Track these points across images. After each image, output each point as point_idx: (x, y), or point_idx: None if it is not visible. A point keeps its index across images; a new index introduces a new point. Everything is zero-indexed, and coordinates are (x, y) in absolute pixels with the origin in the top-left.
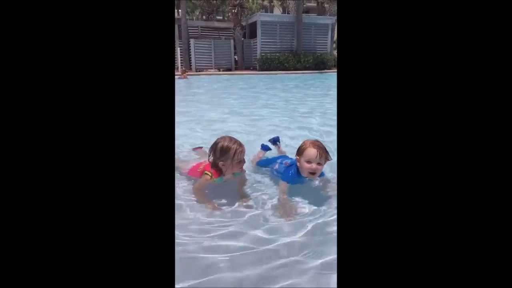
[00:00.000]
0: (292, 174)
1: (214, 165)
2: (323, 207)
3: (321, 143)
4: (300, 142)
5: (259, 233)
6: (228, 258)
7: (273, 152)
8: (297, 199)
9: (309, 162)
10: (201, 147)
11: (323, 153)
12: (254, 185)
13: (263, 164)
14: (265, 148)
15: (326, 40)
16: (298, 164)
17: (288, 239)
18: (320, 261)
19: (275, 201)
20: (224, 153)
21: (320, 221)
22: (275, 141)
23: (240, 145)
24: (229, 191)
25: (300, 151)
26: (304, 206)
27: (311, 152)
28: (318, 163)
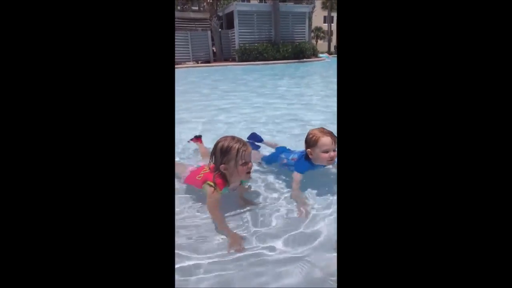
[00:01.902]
0: (306, 165)
1: (216, 171)
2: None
3: (326, 129)
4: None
5: (270, 231)
6: (231, 258)
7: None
8: (312, 190)
9: (326, 151)
10: (199, 137)
11: (335, 138)
12: (265, 183)
13: (268, 162)
14: (255, 147)
15: (304, 28)
16: (311, 156)
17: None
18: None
19: (286, 198)
20: (226, 154)
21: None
22: (259, 140)
23: (245, 144)
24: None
25: (311, 143)
26: (318, 197)
27: (326, 140)
28: (334, 150)
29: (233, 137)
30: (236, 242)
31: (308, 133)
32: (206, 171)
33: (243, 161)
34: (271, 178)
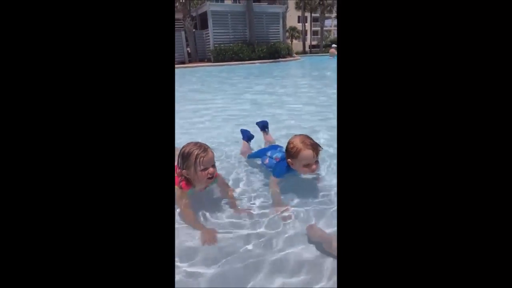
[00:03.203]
0: (283, 169)
1: (180, 175)
2: (322, 199)
3: (309, 138)
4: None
5: (251, 231)
6: (220, 259)
7: (259, 139)
8: (290, 192)
9: (307, 165)
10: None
11: (317, 150)
12: (245, 181)
13: (253, 156)
14: (246, 136)
15: (278, 28)
16: (292, 166)
17: (282, 235)
18: (319, 257)
19: (264, 197)
20: (186, 160)
21: (312, 212)
22: (264, 126)
23: (205, 150)
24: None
25: (292, 154)
26: (297, 199)
27: (307, 154)
28: (316, 161)
29: (196, 143)
30: (209, 235)
31: (289, 141)
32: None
33: (202, 167)
34: (250, 177)
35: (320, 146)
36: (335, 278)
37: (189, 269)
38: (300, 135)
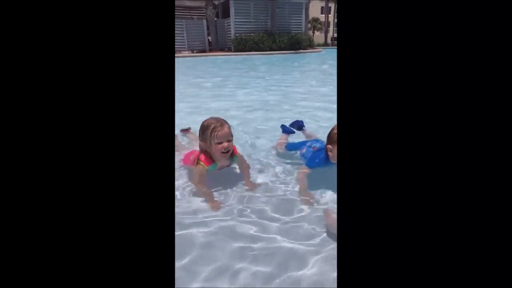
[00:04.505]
0: (319, 160)
1: (201, 149)
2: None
3: None
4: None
5: (264, 224)
6: (230, 251)
7: (299, 136)
8: (321, 186)
9: None
10: (188, 129)
11: None
12: (273, 170)
13: (291, 148)
14: (286, 130)
15: (301, 19)
16: (330, 153)
17: (300, 231)
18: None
19: (290, 188)
20: (203, 132)
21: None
22: (300, 126)
23: (222, 124)
24: (234, 177)
25: (333, 140)
26: (326, 194)
27: None
28: None
29: (215, 117)
30: (215, 205)
31: (333, 127)
32: (197, 151)
33: (217, 140)
34: (282, 165)
35: None
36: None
37: (189, 265)
38: None
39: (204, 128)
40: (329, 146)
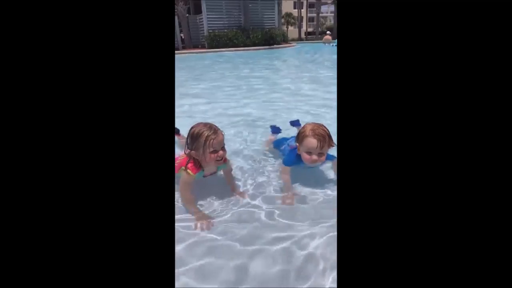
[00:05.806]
0: (294, 158)
1: (189, 156)
2: (327, 191)
3: (323, 129)
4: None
5: (255, 224)
6: (223, 253)
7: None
8: (299, 182)
9: (309, 153)
10: (177, 132)
11: (325, 142)
12: (254, 169)
13: (276, 145)
14: (274, 130)
15: (274, 14)
16: (298, 152)
17: (286, 229)
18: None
19: (274, 185)
20: (195, 141)
21: (320, 206)
22: (295, 124)
23: (215, 132)
24: (217, 183)
25: (299, 138)
26: (305, 190)
27: (311, 142)
28: (320, 153)
29: (205, 124)
30: (203, 220)
31: (303, 126)
32: (183, 157)
33: (212, 149)
34: (269, 162)
35: (333, 142)
36: (333, 267)
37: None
38: (315, 123)
39: (195, 136)
40: (297, 144)
